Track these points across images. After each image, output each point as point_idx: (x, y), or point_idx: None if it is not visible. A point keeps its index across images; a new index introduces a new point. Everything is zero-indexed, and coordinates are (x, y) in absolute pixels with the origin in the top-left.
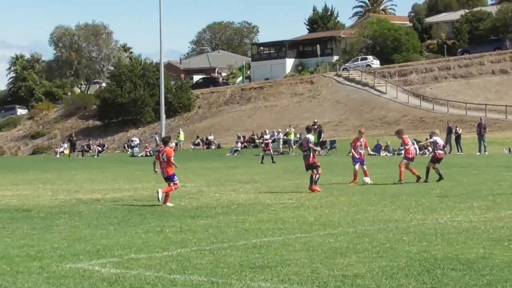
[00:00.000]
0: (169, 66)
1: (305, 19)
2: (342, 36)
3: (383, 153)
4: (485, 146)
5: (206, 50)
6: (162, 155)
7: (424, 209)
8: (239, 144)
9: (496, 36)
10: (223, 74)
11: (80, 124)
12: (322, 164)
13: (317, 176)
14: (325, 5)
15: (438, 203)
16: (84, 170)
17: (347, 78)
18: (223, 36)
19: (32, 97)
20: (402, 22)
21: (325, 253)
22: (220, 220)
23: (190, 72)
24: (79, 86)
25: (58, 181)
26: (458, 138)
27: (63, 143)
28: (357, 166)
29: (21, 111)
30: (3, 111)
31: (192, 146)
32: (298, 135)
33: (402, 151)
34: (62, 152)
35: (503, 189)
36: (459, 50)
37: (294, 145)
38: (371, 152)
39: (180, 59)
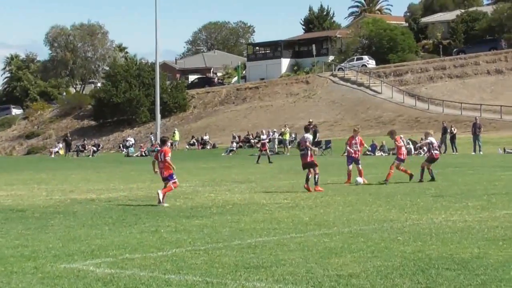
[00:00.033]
0: (164, 66)
1: (301, 19)
2: (337, 36)
3: (378, 153)
4: (480, 146)
5: (202, 50)
6: (160, 154)
7: (419, 209)
8: (234, 144)
9: (491, 36)
10: (219, 74)
11: (75, 124)
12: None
13: (317, 176)
14: (321, 5)
15: (433, 203)
16: (79, 170)
17: (342, 78)
18: (218, 36)
19: (27, 97)
20: (397, 22)
21: (320, 253)
22: (215, 220)
23: (185, 72)
24: (74, 86)
25: (53, 181)
26: (453, 138)
27: (58, 143)
28: (350, 166)
29: (16, 111)
30: None
31: (187, 146)
32: (293, 135)
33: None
34: (57, 152)
35: (498, 189)
36: (455, 50)
37: (289, 145)
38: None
39: (176, 59)
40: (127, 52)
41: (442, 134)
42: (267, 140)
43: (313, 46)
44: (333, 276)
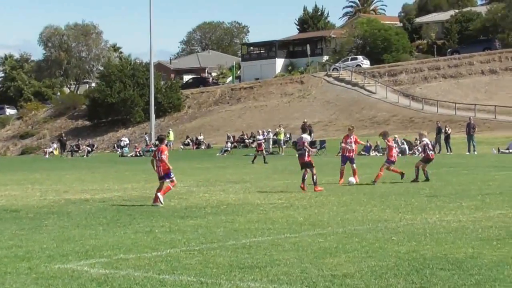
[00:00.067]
0: (159, 66)
1: (295, 19)
2: (332, 36)
3: (372, 153)
4: (474, 146)
5: (196, 50)
6: (158, 153)
7: (413, 209)
8: (229, 144)
9: (485, 36)
10: (213, 74)
11: (70, 124)
12: None
13: (315, 176)
14: (316, 5)
15: (427, 203)
16: (73, 170)
17: (337, 78)
18: (213, 36)
19: (21, 97)
20: (392, 22)
21: (315, 253)
22: (210, 220)
23: (180, 72)
24: (69, 86)
25: (47, 181)
26: (447, 138)
27: (52, 143)
28: (344, 166)
29: (10, 111)
30: None
31: (182, 146)
32: (288, 135)
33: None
34: (51, 152)
35: (492, 189)
36: (449, 50)
37: (284, 145)
38: (363, 151)
39: (170, 59)
40: (121, 52)
41: (437, 134)
42: (263, 141)
43: (308, 46)
44: (328, 276)
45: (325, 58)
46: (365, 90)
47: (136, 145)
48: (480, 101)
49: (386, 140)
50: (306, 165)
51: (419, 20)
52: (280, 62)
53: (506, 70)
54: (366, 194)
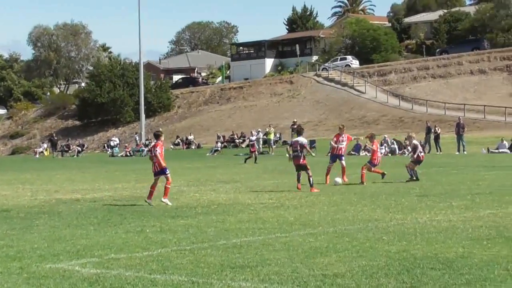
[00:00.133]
0: (148, 66)
1: (284, 19)
2: (321, 36)
3: (362, 153)
4: (463, 146)
5: (186, 50)
6: (153, 149)
7: (404, 208)
8: (219, 144)
9: (474, 36)
10: (203, 74)
11: (60, 124)
12: None
13: (311, 178)
14: (304, 5)
15: (417, 203)
16: (64, 170)
17: (326, 78)
18: (202, 36)
19: (11, 97)
20: (381, 22)
21: (305, 252)
22: (200, 220)
23: (169, 72)
24: (58, 86)
25: (37, 181)
26: (437, 137)
27: (43, 143)
28: (344, 162)
29: None
30: None
31: (172, 146)
32: (278, 135)
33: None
34: (42, 152)
35: (482, 188)
36: (438, 50)
37: (274, 145)
38: (353, 150)
39: (160, 59)
40: (110, 52)
41: (426, 134)
42: (255, 141)
43: (297, 46)
44: (319, 276)
45: (315, 58)
46: (355, 90)
47: (126, 145)
48: (469, 101)
49: (371, 143)
50: (301, 167)
51: (407, 20)
52: (269, 62)
53: (495, 70)
54: (357, 194)
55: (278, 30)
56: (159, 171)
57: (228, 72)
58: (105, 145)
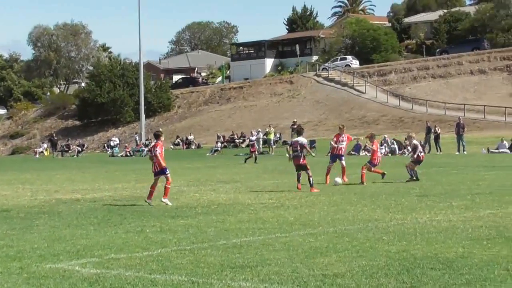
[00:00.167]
0: (148, 66)
1: (284, 19)
2: (321, 36)
3: (362, 153)
4: (463, 146)
5: (186, 50)
6: (153, 149)
7: (404, 208)
8: (219, 144)
9: (474, 36)
10: (203, 74)
11: (60, 124)
12: None
13: (311, 178)
14: (304, 5)
15: (417, 203)
16: (64, 170)
17: (326, 78)
18: (202, 36)
19: (11, 97)
20: (381, 22)
21: (305, 252)
22: (200, 220)
23: (169, 72)
24: (58, 86)
25: (37, 181)
26: (437, 137)
27: (43, 143)
28: (344, 162)
29: (0, 111)
30: None
31: (172, 146)
32: (278, 135)
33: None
34: (42, 152)
35: (482, 188)
36: (438, 50)
37: (274, 144)
38: (353, 150)
39: (160, 59)
40: (110, 52)
41: (426, 134)
42: (255, 141)
43: (297, 46)
44: (319, 276)
45: (315, 58)
46: (355, 90)
47: (126, 145)
48: (469, 101)
49: (371, 143)
50: (301, 168)
51: (407, 20)
52: (269, 62)
53: (495, 70)
54: (357, 194)
55: (278, 30)
56: (159, 171)
57: (228, 72)
58: (105, 145)
